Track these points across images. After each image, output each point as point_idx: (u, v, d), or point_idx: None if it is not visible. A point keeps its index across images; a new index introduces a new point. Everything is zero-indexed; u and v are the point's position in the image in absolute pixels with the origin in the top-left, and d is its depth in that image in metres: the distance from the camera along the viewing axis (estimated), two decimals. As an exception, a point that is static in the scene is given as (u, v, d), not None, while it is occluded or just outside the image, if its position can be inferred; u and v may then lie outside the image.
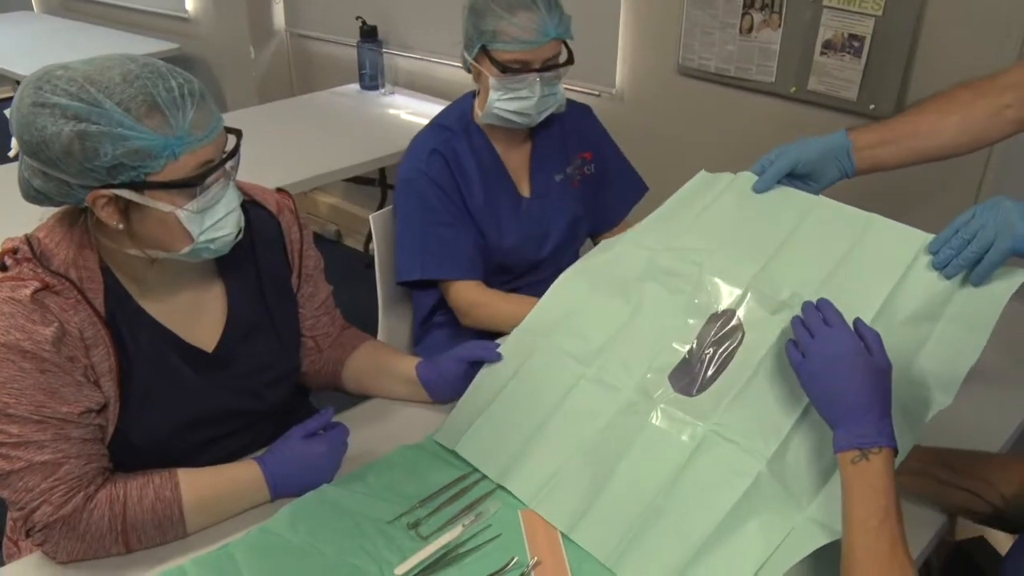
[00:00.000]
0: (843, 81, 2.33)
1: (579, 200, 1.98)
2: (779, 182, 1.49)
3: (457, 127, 1.86)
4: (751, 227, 1.44)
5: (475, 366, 1.45)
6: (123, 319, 1.20)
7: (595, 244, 2.06)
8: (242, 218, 1.22)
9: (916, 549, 1.21)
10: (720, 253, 1.42)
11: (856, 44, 2.27)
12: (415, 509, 1.25)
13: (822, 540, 1.10)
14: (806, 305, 1.19)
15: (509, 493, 1.29)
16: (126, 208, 1.12)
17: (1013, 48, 2.04)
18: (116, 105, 1.05)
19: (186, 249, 1.17)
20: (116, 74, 1.07)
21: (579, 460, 1.29)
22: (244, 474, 1.26)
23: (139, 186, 1.09)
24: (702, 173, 1.60)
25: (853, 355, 1.09)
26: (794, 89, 2.44)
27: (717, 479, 1.20)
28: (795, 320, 1.19)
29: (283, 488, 1.26)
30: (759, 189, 1.49)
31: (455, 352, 1.46)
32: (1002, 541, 1.17)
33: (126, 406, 1.20)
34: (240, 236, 1.23)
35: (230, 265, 1.33)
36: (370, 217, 1.95)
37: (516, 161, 1.91)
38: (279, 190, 1.45)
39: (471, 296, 1.80)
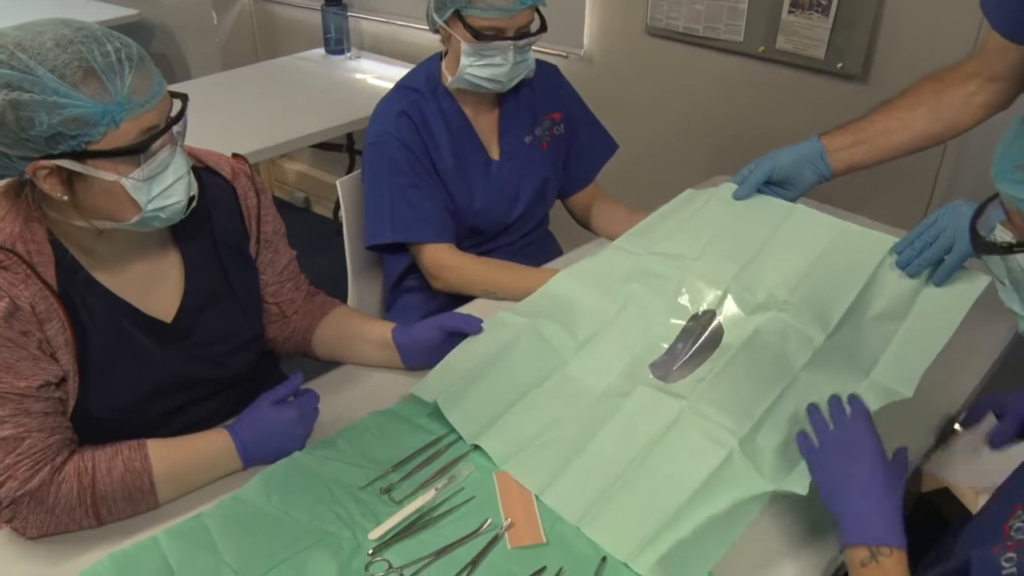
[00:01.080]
0: (811, 40, 2.33)
1: (549, 161, 1.97)
2: (759, 191, 1.58)
3: (424, 89, 1.83)
4: (731, 233, 1.53)
5: (453, 337, 1.45)
6: (76, 292, 1.18)
7: (565, 205, 2.07)
8: (193, 185, 1.20)
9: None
10: (702, 257, 1.51)
11: (824, 2, 2.27)
12: (388, 474, 1.26)
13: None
14: (832, 399, 1.15)
15: (482, 456, 1.29)
16: (69, 179, 1.09)
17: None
18: (50, 72, 1.02)
19: (135, 219, 1.14)
20: (48, 39, 1.03)
21: (557, 429, 1.31)
22: (214, 443, 1.25)
23: (80, 155, 1.06)
24: (688, 191, 1.70)
25: (872, 452, 1.04)
26: (762, 48, 2.43)
27: (691, 453, 1.24)
28: (810, 408, 1.15)
29: (254, 455, 1.26)
30: (739, 197, 1.59)
31: (434, 320, 1.46)
32: (966, 493, 1.19)
33: (85, 379, 1.19)
34: (193, 204, 1.21)
35: (185, 233, 1.31)
36: (338, 183, 1.94)
37: (485, 124, 1.89)
38: (235, 155, 1.42)
39: (442, 259, 1.79)
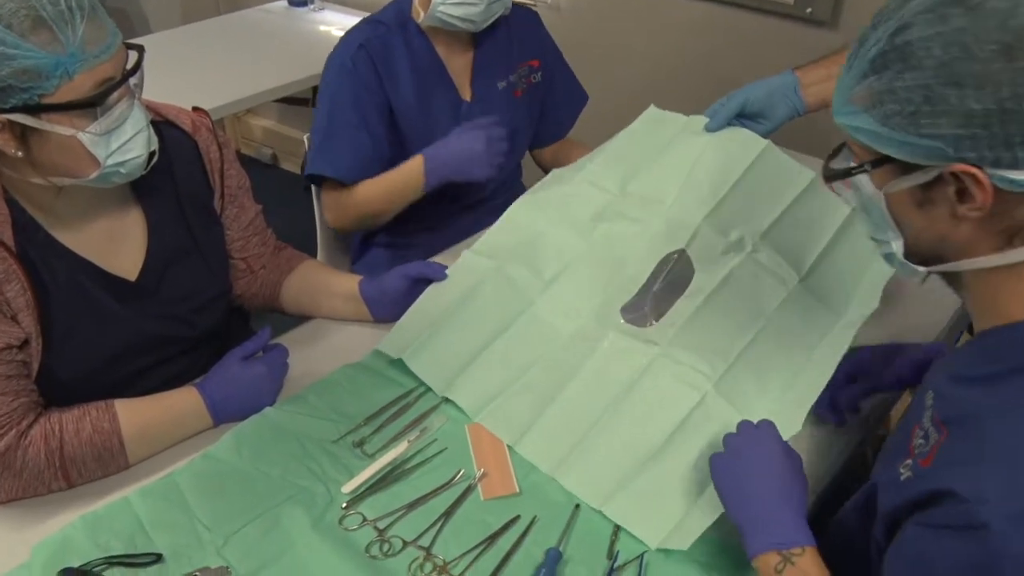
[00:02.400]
0: (779, -16, 2.31)
1: (521, 111, 1.92)
2: (731, 123, 1.53)
3: (393, 23, 1.77)
4: (702, 169, 1.48)
5: (419, 284, 1.43)
6: (36, 252, 1.15)
7: (534, 157, 2.05)
8: (153, 139, 1.17)
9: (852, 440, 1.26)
10: (673, 196, 1.46)
11: (791, -55, 2.24)
12: (360, 427, 1.25)
13: None
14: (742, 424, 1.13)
15: (454, 407, 1.29)
16: (23, 134, 1.06)
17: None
18: None
19: (94, 174, 1.12)
20: None
21: (527, 378, 1.31)
22: (183, 400, 1.24)
23: (33, 109, 1.03)
24: (651, 108, 1.63)
25: (770, 453, 1.04)
26: (731, -7, 2.41)
27: (664, 397, 1.24)
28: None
29: (224, 412, 1.25)
30: (711, 128, 1.53)
31: (400, 269, 1.45)
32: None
33: (49, 340, 1.17)
34: (154, 159, 1.18)
35: (147, 189, 1.28)
36: (304, 137, 1.90)
37: (458, 64, 1.83)
38: (195, 109, 1.39)
39: (339, 194, 1.77)
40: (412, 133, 1.79)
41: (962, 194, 0.80)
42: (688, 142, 1.53)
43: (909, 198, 0.85)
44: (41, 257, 1.16)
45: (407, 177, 1.71)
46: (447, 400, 1.30)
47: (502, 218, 1.52)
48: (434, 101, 1.80)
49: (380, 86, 1.74)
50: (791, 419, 1.18)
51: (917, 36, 0.78)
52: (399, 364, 1.33)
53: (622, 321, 1.35)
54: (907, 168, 0.82)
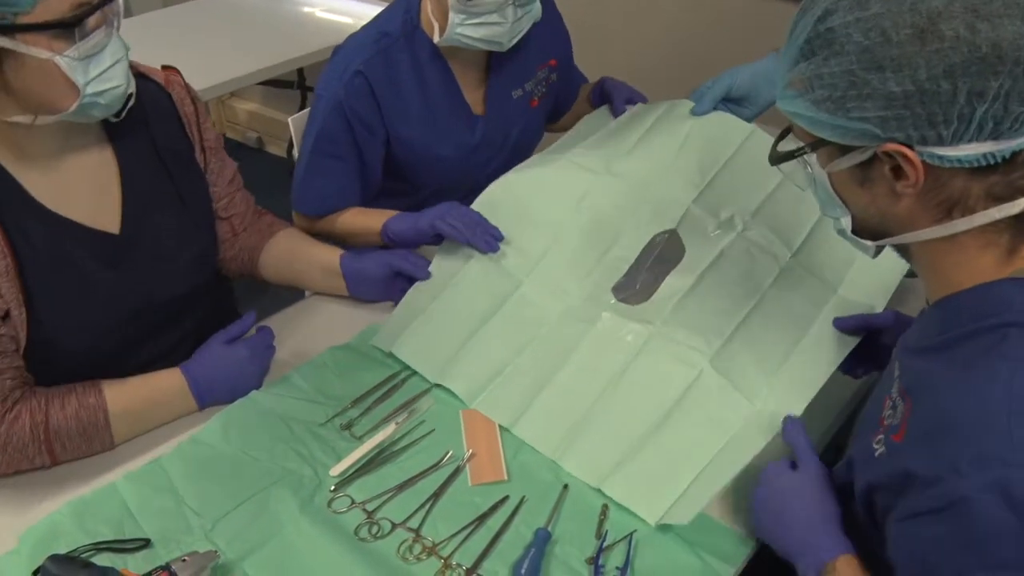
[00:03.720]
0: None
1: (536, 119, 1.78)
2: (716, 108, 1.55)
3: (399, 32, 1.57)
4: (689, 152, 1.49)
5: (399, 276, 1.43)
6: (12, 217, 1.12)
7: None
8: (131, 75, 1.14)
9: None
10: (661, 176, 1.47)
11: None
12: (347, 410, 1.25)
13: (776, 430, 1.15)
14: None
15: (442, 389, 1.29)
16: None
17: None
18: None
19: (74, 105, 1.08)
20: None
21: (520, 361, 1.30)
22: (167, 381, 1.23)
23: (8, 29, 1.00)
24: (639, 105, 1.66)
25: (801, 485, 1.04)
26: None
27: (660, 376, 1.24)
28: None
29: (208, 395, 1.25)
30: (698, 112, 1.55)
31: (384, 256, 1.43)
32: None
33: (32, 310, 1.14)
34: (131, 101, 1.16)
35: (122, 137, 1.24)
36: (289, 120, 1.88)
37: (471, 75, 1.66)
38: (164, 67, 1.36)
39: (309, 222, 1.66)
40: (412, 157, 1.65)
41: (897, 172, 0.83)
42: (673, 125, 1.54)
43: (850, 177, 0.89)
44: (17, 221, 1.12)
45: (370, 226, 1.57)
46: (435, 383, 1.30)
47: (483, 195, 1.49)
48: (444, 119, 1.64)
49: (377, 118, 1.57)
50: (793, 401, 1.18)
51: (839, 22, 0.81)
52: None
53: (614, 300, 1.35)
54: (844, 149, 0.86)
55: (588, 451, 1.18)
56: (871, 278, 1.31)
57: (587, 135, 1.61)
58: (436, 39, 1.53)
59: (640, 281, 1.37)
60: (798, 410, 1.17)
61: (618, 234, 1.42)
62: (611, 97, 1.73)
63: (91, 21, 1.05)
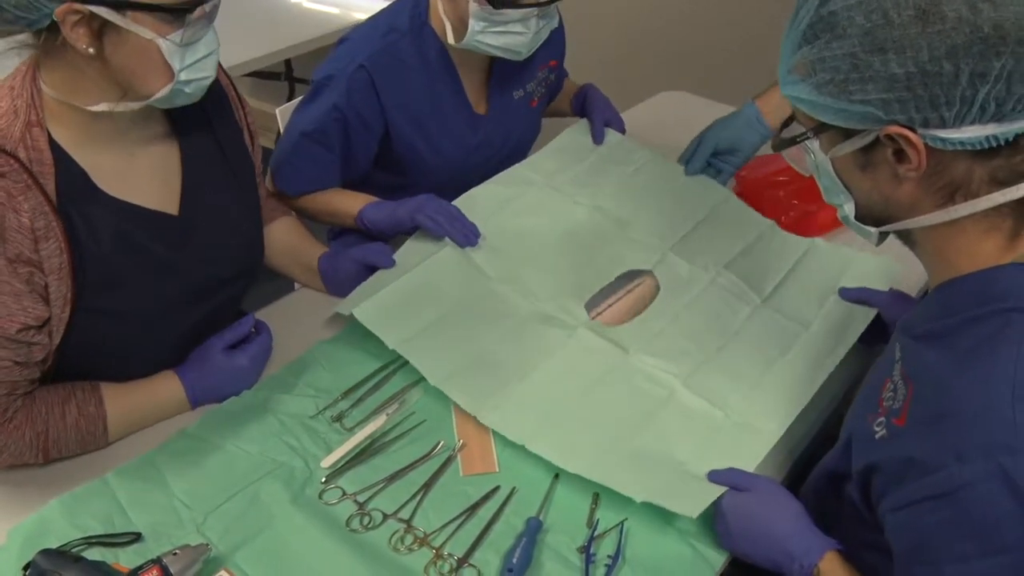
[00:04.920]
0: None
1: (535, 117, 1.79)
2: (709, 163, 1.65)
3: (407, 28, 1.54)
4: (671, 204, 1.59)
5: (372, 269, 1.42)
6: (77, 207, 1.08)
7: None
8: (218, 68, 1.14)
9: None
10: (642, 223, 1.55)
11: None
12: (338, 402, 1.25)
13: (760, 444, 1.17)
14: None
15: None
16: (101, 30, 1.00)
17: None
18: None
19: (164, 89, 1.06)
20: None
21: (491, 350, 1.30)
22: (164, 387, 1.23)
23: (120, 5, 0.98)
24: (622, 139, 1.75)
25: (759, 500, 1.05)
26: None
27: (634, 391, 1.26)
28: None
29: (203, 400, 1.25)
30: (689, 173, 1.66)
31: (352, 251, 1.44)
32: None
33: (80, 304, 1.10)
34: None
35: (183, 120, 1.23)
36: (277, 111, 1.88)
37: (475, 75, 1.65)
38: None
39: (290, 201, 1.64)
40: (412, 155, 1.63)
41: (899, 155, 0.83)
42: (657, 179, 1.66)
43: (853, 162, 0.89)
44: (82, 211, 1.09)
45: (346, 209, 1.57)
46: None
47: (462, 197, 1.53)
48: (447, 117, 1.63)
49: (376, 114, 1.55)
50: (771, 419, 1.20)
51: (841, 5, 0.81)
52: (375, 339, 1.32)
53: (587, 317, 1.37)
54: (847, 133, 0.86)
55: (559, 440, 1.18)
56: (839, 323, 1.34)
57: (567, 156, 1.68)
58: (450, 40, 1.51)
59: (612, 302, 1.41)
60: (778, 431, 1.18)
61: (594, 256, 1.48)
62: (591, 114, 1.78)
63: (196, 11, 1.04)
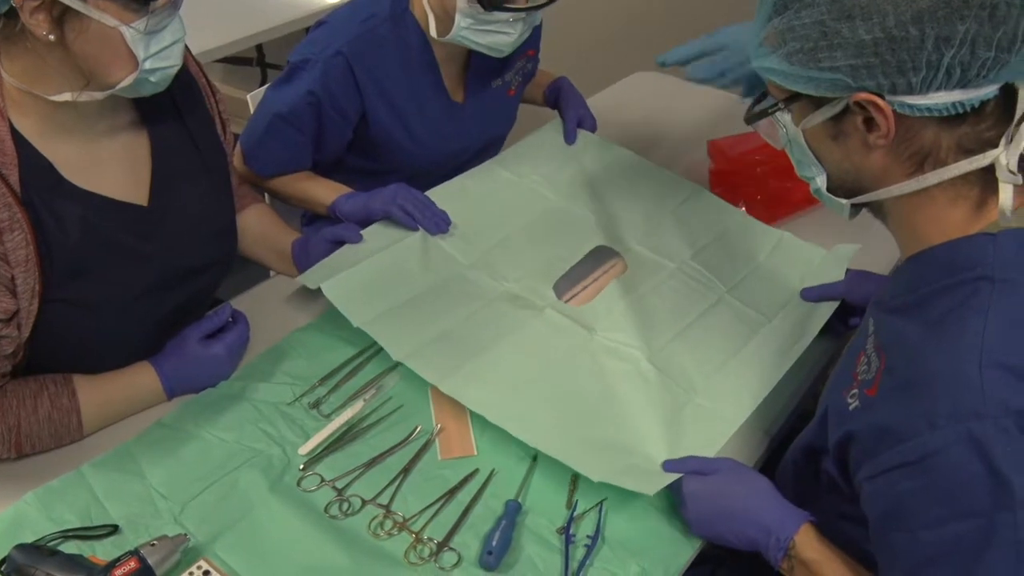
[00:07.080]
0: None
1: (512, 106, 1.79)
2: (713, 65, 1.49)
3: (387, 14, 1.53)
4: (642, 199, 1.60)
5: (339, 246, 1.42)
6: (42, 197, 1.06)
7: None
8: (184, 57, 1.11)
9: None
10: (610, 211, 1.57)
11: None
12: (314, 388, 1.25)
13: (720, 431, 1.18)
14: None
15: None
16: (62, 17, 0.98)
17: None
18: None
19: (128, 79, 1.04)
20: None
21: (457, 327, 1.31)
22: (139, 378, 1.21)
23: None
24: (594, 139, 1.74)
25: (726, 481, 1.06)
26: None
27: (598, 365, 1.27)
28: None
29: (180, 390, 1.23)
30: (667, 61, 1.41)
31: (322, 232, 1.43)
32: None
33: (49, 296, 1.09)
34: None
35: (152, 109, 1.20)
36: (248, 97, 1.86)
37: (453, 64, 1.64)
38: None
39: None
40: (389, 141, 1.62)
41: (869, 123, 0.85)
42: (628, 174, 1.67)
43: (824, 131, 0.90)
44: (47, 202, 1.07)
45: (319, 199, 1.58)
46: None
47: (435, 189, 1.53)
48: (425, 105, 1.62)
49: (352, 101, 1.54)
50: (733, 405, 1.21)
51: None
52: (350, 326, 1.32)
53: (555, 298, 1.38)
54: (817, 103, 0.87)
55: (521, 411, 1.18)
56: (802, 317, 1.35)
57: (539, 155, 1.68)
58: (433, 33, 1.51)
59: (580, 282, 1.43)
60: (740, 417, 1.19)
61: (564, 242, 1.49)
62: (564, 111, 1.78)
63: None
